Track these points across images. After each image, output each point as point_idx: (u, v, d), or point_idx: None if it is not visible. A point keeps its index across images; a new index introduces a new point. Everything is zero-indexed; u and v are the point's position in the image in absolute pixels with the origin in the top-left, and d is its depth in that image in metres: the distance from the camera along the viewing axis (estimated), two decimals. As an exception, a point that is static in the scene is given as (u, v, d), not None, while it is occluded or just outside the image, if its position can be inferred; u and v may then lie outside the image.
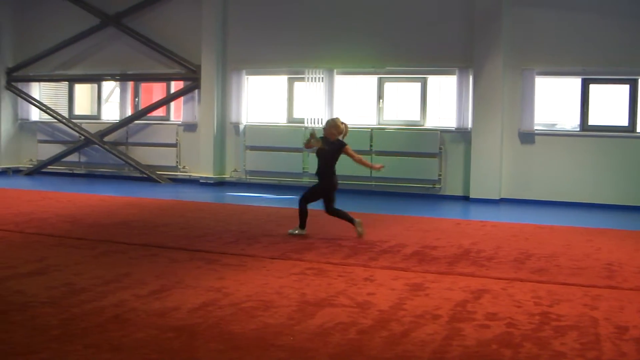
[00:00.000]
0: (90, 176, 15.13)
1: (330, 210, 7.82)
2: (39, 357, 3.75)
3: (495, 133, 11.93)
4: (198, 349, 3.96)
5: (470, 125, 12.15)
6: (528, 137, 11.98)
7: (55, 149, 15.23)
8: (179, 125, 14.40)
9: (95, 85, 15.38)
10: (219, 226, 8.52)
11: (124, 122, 14.65)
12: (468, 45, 12.15)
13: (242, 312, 4.73)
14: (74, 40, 14.92)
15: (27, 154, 15.73)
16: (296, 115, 13.56)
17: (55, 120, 15.20)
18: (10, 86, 15.54)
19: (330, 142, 7.80)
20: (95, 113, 15.46)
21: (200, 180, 13.94)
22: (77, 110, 15.53)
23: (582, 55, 11.59)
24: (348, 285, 5.58)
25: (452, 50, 12.30)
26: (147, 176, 14.37)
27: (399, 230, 8.50)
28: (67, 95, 15.50)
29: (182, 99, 14.35)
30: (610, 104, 11.98)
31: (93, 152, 15.04)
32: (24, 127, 15.86)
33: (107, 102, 15.66)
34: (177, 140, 14.38)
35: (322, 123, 12.42)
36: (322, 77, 13.10)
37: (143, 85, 15.06)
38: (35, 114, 15.74)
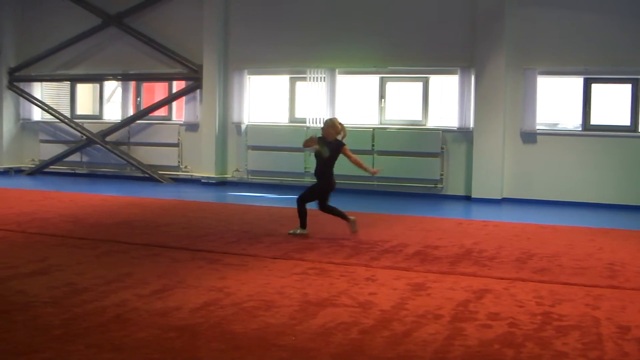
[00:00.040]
0: (92, 176, 15.13)
1: (324, 207, 7.85)
2: (41, 357, 3.75)
3: (497, 133, 11.91)
4: (200, 349, 3.96)
5: (472, 125, 12.14)
6: (530, 136, 11.96)
7: (57, 149, 15.24)
8: (180, 125, 14.40)
9: (97, 85, 15.38)
10: (221, 226, 8.52)
11: (126, 122, 14.65)
12: (470, 44, 12.13)
13: (243, 311, 4.73)
14: (76, 40, 14.92)
15: (29, 153, 15.74)
16: (298, 115, 13.55)
17: (57, 120, 15.20)
18: (12, 86, 15.55)
19: (328, 142, 7.79)
20: (97, 113, 15.46)
21: (202, 180, 13.93)
22: (79, 110, 15.53)
23: (584, 54, 11.57)
24: (350, 285, 5.58)
25: (454, 49, 12.28)
26: (149, 176, 14.37)
27: (400, 230, 8.49)
28: (69, 95, 15.50)
29: (183, 98, 14.34)
30: (612, 103, 11.95)
31: (95, 152, 15.04)
32: (26, 127, 15.87)
33: (109, 102, 15.66)
34: (179, 140, 14.38)
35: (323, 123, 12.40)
36: (324, 77, 13.09)
37: (145, 85, 15.06)
38: (37, 114, 15.73)
